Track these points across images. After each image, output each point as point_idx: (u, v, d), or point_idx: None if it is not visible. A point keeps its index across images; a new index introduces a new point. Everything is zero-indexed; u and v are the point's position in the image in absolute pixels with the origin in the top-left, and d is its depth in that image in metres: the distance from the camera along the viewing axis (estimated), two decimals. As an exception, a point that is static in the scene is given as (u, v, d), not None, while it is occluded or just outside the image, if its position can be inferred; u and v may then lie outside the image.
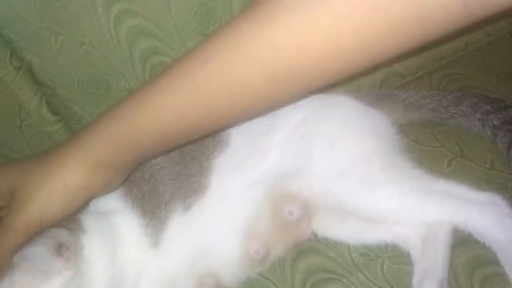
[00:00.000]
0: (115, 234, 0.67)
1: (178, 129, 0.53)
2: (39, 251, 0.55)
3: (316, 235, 0.71)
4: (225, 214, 0.70)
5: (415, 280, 0.59)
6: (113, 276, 0.65)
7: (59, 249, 0.57)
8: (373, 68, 0.66)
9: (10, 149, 0.77)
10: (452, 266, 0.59)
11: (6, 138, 0.76)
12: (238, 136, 0.72)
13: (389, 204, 0.63)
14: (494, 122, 0.68)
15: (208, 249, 0.70)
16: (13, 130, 0.75)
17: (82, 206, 0.56)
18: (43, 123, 0.75)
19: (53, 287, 0.56)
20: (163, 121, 0.53)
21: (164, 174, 0.72)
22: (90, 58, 0.72)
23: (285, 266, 0.69)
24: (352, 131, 0.69)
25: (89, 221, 0.63)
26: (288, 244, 0.70)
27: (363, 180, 0.65)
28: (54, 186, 0.52)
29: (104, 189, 0.58)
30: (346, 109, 0.71)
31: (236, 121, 0.63)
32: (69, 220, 0.59)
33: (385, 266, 0.62)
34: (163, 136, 0.53)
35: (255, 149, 0.71)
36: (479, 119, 0.70)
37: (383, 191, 0.64)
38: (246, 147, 0.72)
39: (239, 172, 0.71)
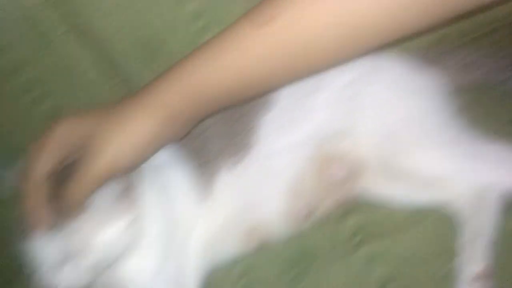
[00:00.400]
0: (168, 186, 0.71)
1: (248, 84, 0.54)
2: (106, 195, 0.59)
3: (362, 195, 0.71)
4: (271, 172, 0.71)
5: (461, 242, 0.59)
6: (166, 224, 0.68)
7: (123, 194, 0.60)
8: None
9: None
10: (500, 231, 0.58)
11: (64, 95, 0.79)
12: (284, 96, 0.73)
13: (439, 166, 0.63)
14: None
15: (254, 205, 0.72)
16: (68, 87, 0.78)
17: (150, 157, 0.59)
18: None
19: (115, 228, 0.61)
20: (234, 76, 0.54)
21: (213, 132, 0.74)
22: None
23: (329, 224, 0.70)
24: (404, 91, 0.68)
25: (145, 171, 0.66)
26: (333, 203, 0.71)
27: (412, 141, 0.64)
28: (126, 138, 0.55)
29: (170, 143, 0.60)
30: (398, 69, 0.70)
31: (299, 77, 0.64)
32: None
33: (431, 227, 0.62)
34: (233, 90, 0.55)
35: (301, 109, 0.72)
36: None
37: (434, 153, 0.63)
38: (292, 107, 0.72)
39: (284, 132, 0.72)
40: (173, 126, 0.57)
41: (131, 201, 0.62)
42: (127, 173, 0.59)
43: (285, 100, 0.73)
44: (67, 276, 0.60)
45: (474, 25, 0.78)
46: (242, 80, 0.54)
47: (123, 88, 0.80)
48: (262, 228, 0.73)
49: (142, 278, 0.67)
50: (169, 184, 0.71)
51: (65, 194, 0.57)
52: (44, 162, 0.58)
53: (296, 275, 0.67)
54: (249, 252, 0.74)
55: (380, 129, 0.66)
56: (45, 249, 0.60)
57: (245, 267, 0.73)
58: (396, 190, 0.67)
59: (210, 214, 0.73)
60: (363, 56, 0.67)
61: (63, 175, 0.61)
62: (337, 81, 0.71)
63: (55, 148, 0.57)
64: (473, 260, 0.57)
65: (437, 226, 0.62)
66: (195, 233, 0.73)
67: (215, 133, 0.74)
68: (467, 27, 0.78)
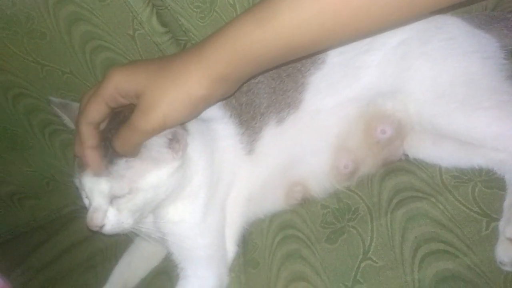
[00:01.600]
0: (214, 139, 0.73)
1: (298, 44, 0.55)
2: (155, 142, 0.61)
3: (407, 156, 0.71)
4: (317, 129, 0.72)
5: (506, 204, 0.58)
6: (210, 175, 0.70)
7: (171, 142, 0.62)
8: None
9: (124, 58, 0.84)
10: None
11: (121, 46, 0.82)
12: (335, 55, 0.72)
13: (488, 128, 0.61)
14: None
15: (299, 161, 0.73)
16: (127, 39, 0.81)
17: (199, 114, 0.61)
18: (153, 34, 0.80)
19: (161, 173, 0.64)
20: (284, 36, 0.54)
21: (261, 88, 0.75)
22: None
23: (373, 182, 0.70)
24: (457, 52, 0.66)
25: (192, 124, 0.68)
26: (377, 162, 0.71)
27: (463, 102, 0.63)
28: (178, 95, 0.57)
29: (220, 100, 0.62)
30: (452, 30, 0.68)
31: (346, 42, 0.64)
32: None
33: (476, 189, 0.62)
34: (282, 50, 0.55)
35: (351, 68, 0.72)
36: None
37: (483, 115, 0.62)
38: (342, 66, 0.72)
39: (333, 89, 0.72)
40: (224, 85, 0.58)
41: (177, 150, 0.64)
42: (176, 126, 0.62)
43: (336, 59, 0.73)
44: (112, 217, 0.64)
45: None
46: (292, 43, 0.55)
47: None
48: (304, 184, 0.74)
49: (183, 225, 0.70)
50: (214, 137, 0.73)
51: (116, 141, 0.60)
52: (97, 109, 0.61)
53: (333, 232, 0.68)
54: (290, 207, 0.75)
55: (431, 88, 0.65)
56: (94, 190, 0.63)
57: (284, 223, 0.74)
58: (443, 152, 0.67)
59: (254, 168, 0.74)
60: (414, 21, 0.67)
61: (114, 122, 0.64)
62: (390, 41, 0.70)
63: (108, 97, 0.60)
64: None
65: (481, 190, 0.61)
66: (237, 186, 0.74)
67: (264, 89, 0.75)
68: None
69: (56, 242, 1.00)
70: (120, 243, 0.89)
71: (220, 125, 0.73)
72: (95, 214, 0.62)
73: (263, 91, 0.75)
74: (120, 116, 0.64)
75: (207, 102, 0.58)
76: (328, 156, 0.71)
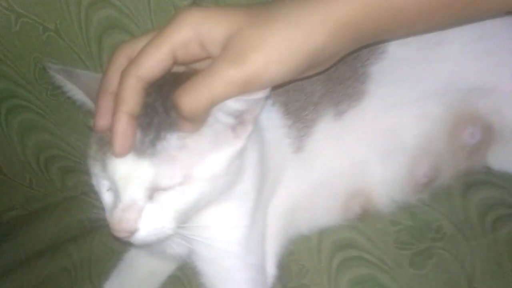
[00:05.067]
0: (260, 128, 0.56)
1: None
2: (221, 116, 0.43)
3: (488, 168, 0.60)
4: (389, 127, 0.59)
5: None
6: (261, 173, 0.53)
7: (237, 122, 0.45)
8: None
9: (131, 20, 0.65)
10: None
11: (129, 4, 0.65)
12: (398, 46, 0.60)
13: None
14: None
15: (362, 165, 0.59)
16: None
17: (296, 77, 0.43)
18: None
19: (222, 157, 0.46)
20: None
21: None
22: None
23: (452, 196, 0.59)
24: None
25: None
26: (458, 172, 0.60)
27: None
28: (291, 36, 0.39)
29: (325, 65, 0.45)
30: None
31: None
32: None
33: None
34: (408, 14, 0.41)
35: (421, 62, 0.60)
36: None
37: None
38: (409, 58, 0.60)
39: (404, 83, 0.60)
40: (344, 40, 0.41)
41: (242, 132, 0.47)
42: (262, 90, 0.43)
43: (400, 50, 0.61)
44: (151, 219, 0.44)
45: None
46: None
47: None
48: (368, 194, 0.60)
49: (228, 236, 0.52)
50: (260, 126, 0.56)
51: (182, 95, 0.41)
52: (158, 59, 0.42)
53: (416, 254, 0.54)
54: (346, 222, 0.60)
55: None
56: (130, 177, 0.43)
57: (340, 241, 0.59)
58: None
59: (302, 170, 0.59)
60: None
61: (173, 81, 0.45)
62: (466, 33, 0.60)
63: (180, 43, 0.41)
64: None
65: None
66: (280, 191, 0.58)
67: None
68: None
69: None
70: (94, 259, 0.68)
71: (268, 113, 0.56)
72: (127, 213, 0.43)
73: (315, 78, 0.60)
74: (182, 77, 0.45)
75: (314, 60, 0.42)
76: (404, 161, 0.58)
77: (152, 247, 0.54)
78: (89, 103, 0.46)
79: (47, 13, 0.63)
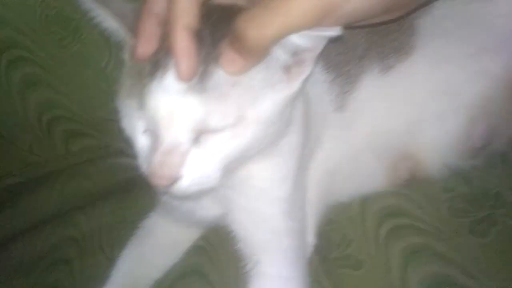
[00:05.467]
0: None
1: None
2: (283, 50, 0.37)
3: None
4: (444, 84, 0.53)
5: None
6: (305, 125, 0.47)
7: (293, 63, 0.39)
8: None
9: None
10: None
11: None
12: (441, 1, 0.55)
13: None
14: None
15: (412, 125, 0.54)
16: None
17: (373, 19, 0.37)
18: None
19: (277, 99, 0.40)
20: None
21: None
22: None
23: (510, 162, 0.52)
24: None
25: None
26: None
27: None
28: None
29: (399, 12, 0.39)
30: None
31: None
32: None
33: None
34: None
35: (473, 15, 0.55)
36: None
37: None
38: (458, 12, 0.56)
39: (457, 38, 0.55)
40: None
41: (295, 76, 0.40)
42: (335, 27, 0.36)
43: (447, 3, 0.56)
44: (197, 165, 0.38)
45: None
46: None
47: None
48: (417, 157, 0.54)
49: (272, 194, 0.46)
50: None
51: (242, 31, 0.34)
52: None
53: (477, 222, 0.49)
54: (391, 188, 0.54)
55: None
56: (175, 114, 0.37)
57: (386, 209, 0.53)
58: None
59: (344, 130, 0.53)
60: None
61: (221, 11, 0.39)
62: None
63: None
64: None
65: None
66: (319, 153, 0.52)
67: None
68: None
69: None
70: (106, 228, 0.61)
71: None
72: (170, 156, 0.36)
73: (358, 29, 0.54)
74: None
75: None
76: (460, 121, 0.52)
77: (182, 207, 0.47)
78: (121, 32, 0.39)
79: None
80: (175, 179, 0.37)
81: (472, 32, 0.55)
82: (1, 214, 0.69)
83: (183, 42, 0.34)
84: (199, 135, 0.37)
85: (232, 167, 0.40)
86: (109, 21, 0.40)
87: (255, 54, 0.36)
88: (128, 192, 0.65)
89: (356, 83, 0.54)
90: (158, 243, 0.56)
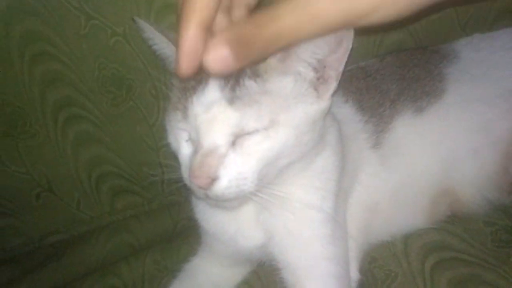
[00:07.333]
0: (337, 120, 0.53)
1: None
2: (304, 64, 0.41)
3: None
4: (477, 122, 0.56)
5: None
6: (340, 152, 0.51)
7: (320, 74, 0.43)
8: None
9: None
10: None
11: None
12: (469, 51, 0.61)
13: None
14: None
15: (449, 162, 0.55)
16: None
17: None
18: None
19: (304, 106, 0.43)
20: None
21: (385, 74, 0.60)
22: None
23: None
24: None
25: None
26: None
27: None
28: None
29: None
30: None
31: None
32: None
33: None
34: None
35: (498, 63, 0.60)
36: None
37: None
38: (484, 60, 0.60)
39: (485, 82, 0.58)
40: None
41: (325, 91, 0.44)
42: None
43: (473, 54, 0.61)
44: (233, 166, 0.41)
45: None
46: None
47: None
48: (456, 194, 0.55)
49: (313, 216, 0.48)
50: (339, 119, 0.53)
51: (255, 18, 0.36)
52: None
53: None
54: (433, 225, 0.55)
55: None
56: (214, 120, 0.41)
57: (430, 244, 0.53)
58: None
59: (381, 167, 0.55)
60: None
61: None
62: None
63: None
64: None
65: None
66: (357, 189, 0.54)
67: (389, 75, 0.60)
68: None
69: (32, 283, 0.68)
70: (148, 278, 0.62)
71: (335, 109, 0.53)
72: (209, 158, 0.39)
73: (388, 78, 0.60)
74: None
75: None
76: (496, 156, 0.54)
77: (225, 236, 0.49)
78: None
79: (117, 15, 0.61)
80: (213, 179, 0.40)
81: (499, 76, 0.59)
82: (45, 268, 0.70)
83: (191, 40, 0.35)
84: (236, 138, 0.41)
85: (267, 173, 0.42)
86: (166, 48, 0.45)
87: (259, 47, 0.36)
88: (170, 243, 0.66)
89: (390, 123, 0.57)
90: (199, 286, 0.56)
